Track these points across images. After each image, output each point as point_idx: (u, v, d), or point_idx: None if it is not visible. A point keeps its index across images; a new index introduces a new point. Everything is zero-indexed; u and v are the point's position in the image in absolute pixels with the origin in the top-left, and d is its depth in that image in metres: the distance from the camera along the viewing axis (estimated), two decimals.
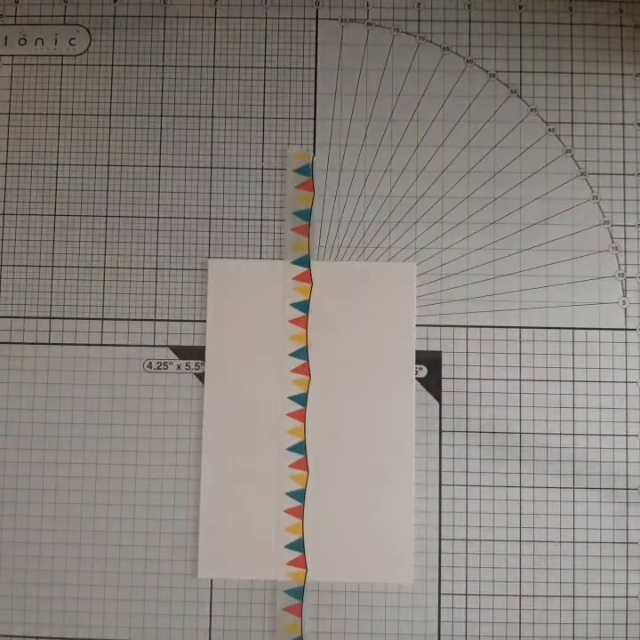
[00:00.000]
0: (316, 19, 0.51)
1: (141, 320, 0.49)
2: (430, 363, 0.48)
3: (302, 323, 0.48)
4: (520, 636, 0.47)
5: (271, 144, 0.50)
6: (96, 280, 0.50)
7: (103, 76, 0.51)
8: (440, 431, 0.48)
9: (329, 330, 0.48)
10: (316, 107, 0.50)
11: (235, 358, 0.48)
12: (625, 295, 0.49)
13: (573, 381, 0.48)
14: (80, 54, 0.51)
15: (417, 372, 0.48)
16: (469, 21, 0.51)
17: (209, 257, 0.49)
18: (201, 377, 0.49)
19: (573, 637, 0.47)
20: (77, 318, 0.49)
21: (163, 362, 0.49)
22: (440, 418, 0.48)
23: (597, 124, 0.50)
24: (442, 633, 0.47)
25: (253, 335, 0.48)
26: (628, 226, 0.49)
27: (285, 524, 0.47)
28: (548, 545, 0.47)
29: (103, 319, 0.49)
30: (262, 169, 0.50)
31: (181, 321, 0.49)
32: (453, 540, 0.48)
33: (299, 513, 0.47)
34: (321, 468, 0.48)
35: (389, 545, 0.47)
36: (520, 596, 0.47)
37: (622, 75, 0.50)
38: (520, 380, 0.48)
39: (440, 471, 0.48)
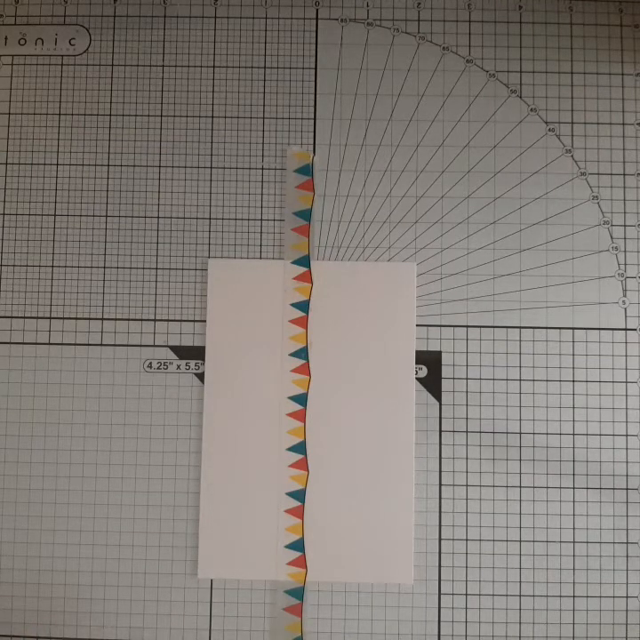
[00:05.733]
0: (316, 19, 0.51)
1: (141, 320, 0.49)
2: (430, 363, 0.48)
3: (302, 323, 0.48)
4: (520, 636, 0.47)
5: (271, 144, 0.50)
6: (96, 280, 0.50)
7: (103, 75, 0.51)
8: (440, 431, 0.48)
9: (329, 330, 0.48)
10: (316, 107, 0.50)
11: (235, 358, 0.48)
12: (625, 295, 0.49)
13: (573, 381, 0.48)
14: (80, 54, 0.51)
15: (417, 371, 0.48)
16: (469, 21, 0.51)
17: (209, 257, 0.49)
18: (201, 377, 0.49)
19: (573, 637, 0.47)
20: (77, 318, 0.49)
21: (163, 362, 0.49)
22: (440, 418, 0.48)
23: (597, 123, 0.50)
24: (442, 633, 0.47)
25: (253, 335, 0.48)
26: (627, 226, 0.49)
27: (285, 524, 0.47)
28: (547, 545, 0.47)
29: (103, 319, 0.49)
30: (262, 169, 0.50)
31: (181, 321, 0.49)
32: (453, 540, 0.48)
33: (299, 513, 0.47)
34: (321, 468, 0.48)
35: (389, 545, 0.47)
36: (520, 595, 0.47)
37: (622, 75, 0.50)
38: (520, 380, 0.48)
39: (440, 471, 0.48)
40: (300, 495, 0.47)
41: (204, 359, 0.49)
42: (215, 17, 0.51)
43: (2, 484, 0.48)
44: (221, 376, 0.48)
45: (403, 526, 0.47)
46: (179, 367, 0.49)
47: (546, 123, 0.50)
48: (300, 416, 0.48)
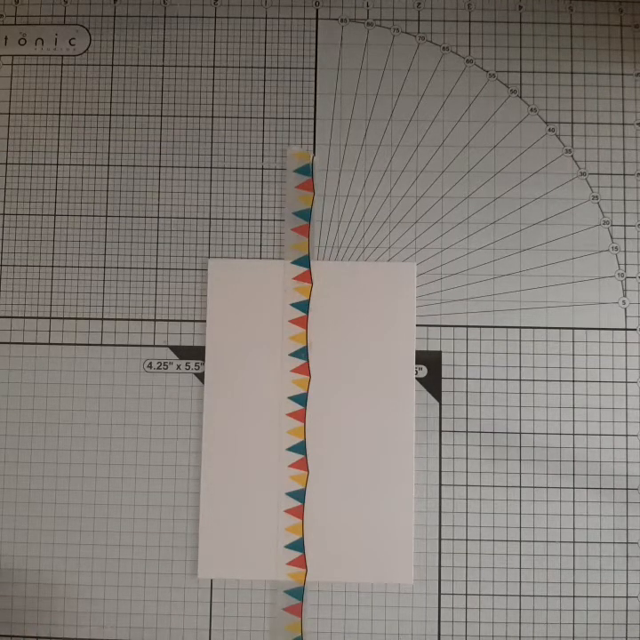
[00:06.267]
0: (316, 19, 0.51)
1: (141, 320, 0.49)
2: (430, 363, 0.48)
3: (302, 323, 0.48)
4: (520, 636, 0.47)
5: (271, 144, 0.50)
6: (96, 280, 0.50)
7: (103, 75, 0.51)
8: (440, 431, 0.48)
9: (329, 330, 0.48)
10: (316, 107, 0.50)
11: (235, 358, 0.48)
12: (625, 295, 0.49)
13: (573, 381, 0.48)
14: (80, 54, 0.51)
15: (417, 371, 0.48)
16: (469, 21, 0.51)
17: (209, 257, 0.49)
18: (201, 377, 0.49)
19: (573, 637, 0.47)
20: (77, 318, 0.49)
21: (163, 362, 0.49)
22: (440, 418, 0.48)
23: (597, 124, 0.50)
24: (442, 633, 0.47)
25: (253, 335, 0.48)
26: (627, 226, 0.49)
27: (285, 524, 0.47)
28: (547, 545, 0.47)
29: (103, 319, 0.49)
30: (262, 169, 0.50)
31: (181, 321, 0.49)
32: (453, 540, 0.48)
33: (299, 513, 0.47)
34: (321, 468, 0.48)
35: (389, 545, 0.47)
36: (520, 595, 0.47)
37: (622, 75, 0.50)
38: (520, 380, 0.48)
39: (440, 471, 0.48)
40: (300, 495, 0.47)
41: (203, 359, 0.49)
42: (215, 17, 0.51)
43: (2, 484, 0.48)
44: (221, 376, 0.48)
45: (403, 526, 0.47)
46: (179, 367, 0.49)
47: (546, 123, 0.50)
48: (300, 416, 0.48)
